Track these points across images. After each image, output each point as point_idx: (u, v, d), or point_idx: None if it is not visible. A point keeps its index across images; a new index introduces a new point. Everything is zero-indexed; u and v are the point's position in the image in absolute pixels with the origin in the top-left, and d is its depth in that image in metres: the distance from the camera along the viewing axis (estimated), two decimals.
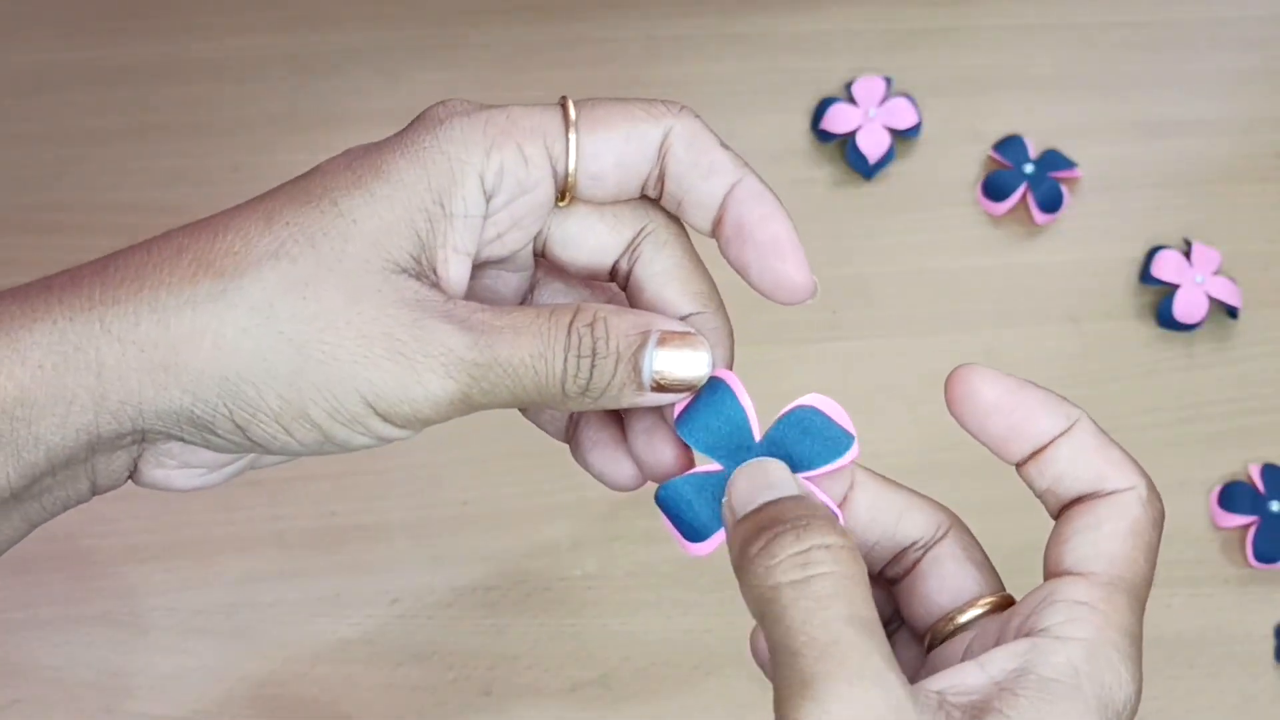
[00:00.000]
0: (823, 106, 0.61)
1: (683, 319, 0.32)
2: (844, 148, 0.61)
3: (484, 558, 0.56)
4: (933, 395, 0.57)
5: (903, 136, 0.61)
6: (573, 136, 0.30)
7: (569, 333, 0.30)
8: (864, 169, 0.60)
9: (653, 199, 0.32)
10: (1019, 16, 0.63)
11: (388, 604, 0.55)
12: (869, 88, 0.61)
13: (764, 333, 0.59)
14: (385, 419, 0.30)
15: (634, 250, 0.32)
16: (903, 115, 0.61)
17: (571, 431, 0.35)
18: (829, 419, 0.33)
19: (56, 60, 0.64)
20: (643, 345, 0.30)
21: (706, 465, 0.32)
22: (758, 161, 0.61)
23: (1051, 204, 0.60)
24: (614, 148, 0.31)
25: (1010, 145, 0.61)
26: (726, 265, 0.35)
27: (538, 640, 0.54)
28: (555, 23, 0.64)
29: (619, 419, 0.34)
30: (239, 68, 0.63)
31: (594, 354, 0.30)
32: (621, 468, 0.34)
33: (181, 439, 0.30)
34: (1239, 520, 0.55)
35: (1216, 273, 0.58)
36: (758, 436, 0.32)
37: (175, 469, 0.32)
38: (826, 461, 0.33)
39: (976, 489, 0.57)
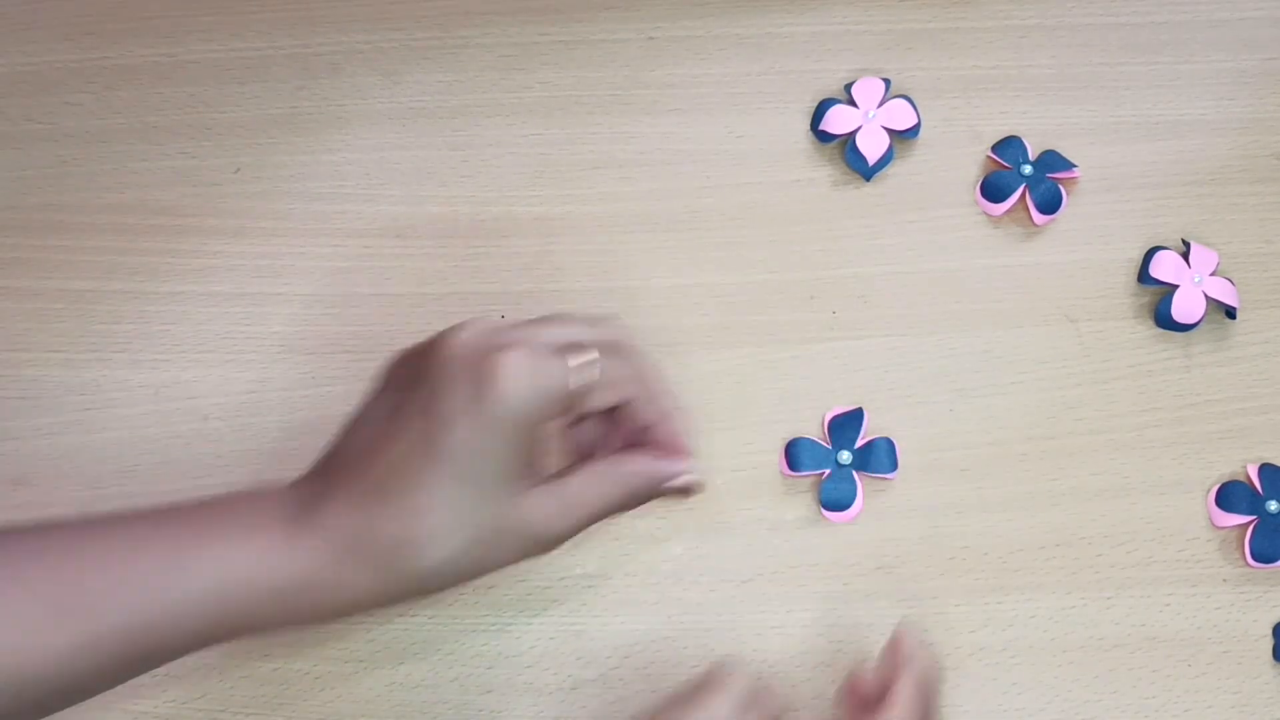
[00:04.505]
0: (822, 107, 0.61)
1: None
2: (843, 148, 0.61)
3: None
4: (932, 395, 0.58)
5: (902, 137, 0.61)
6: None
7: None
8: (863, 170, 0.61)
9: None
10: (1018, 17, 0.63)
11: None
12: (868, 89, 0.61)
13: (764, 333, 0.59)
14: None
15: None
16: (902, 116, 0.61)
17: None
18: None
19: (57, 60, 0.64)
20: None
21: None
22: (758, 162, 0.62)
23: (1050, 205, 0.60)
24: None
25: (1009, 146, 0.61)
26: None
27: (539, 639, 0.55)
28: (555, 23, 0.64)
29: None
30: (240, 68, 0.63)
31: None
32: None
33: None
34: (1236, 520, 0.55)
35: (1214, 273, 0.59)
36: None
37: None
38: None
39: (975, 489, 0.57)
